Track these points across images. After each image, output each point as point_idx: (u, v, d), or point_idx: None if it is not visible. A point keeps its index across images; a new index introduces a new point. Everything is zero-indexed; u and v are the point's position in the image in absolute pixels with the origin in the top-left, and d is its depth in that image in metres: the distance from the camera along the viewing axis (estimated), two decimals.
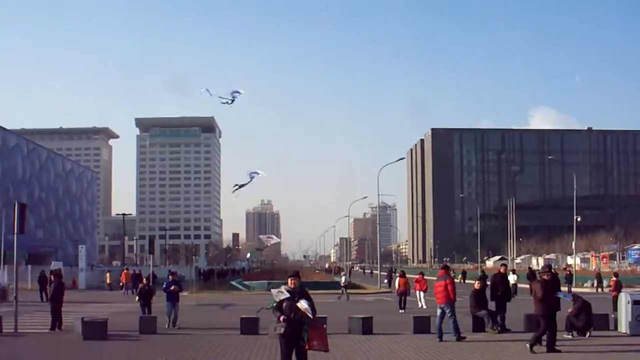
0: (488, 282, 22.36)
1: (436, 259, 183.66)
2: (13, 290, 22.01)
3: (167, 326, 22.53)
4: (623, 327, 20.06)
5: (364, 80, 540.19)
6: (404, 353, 16.35)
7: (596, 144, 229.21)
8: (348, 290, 43.46)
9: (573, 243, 65.68)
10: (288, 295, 11.67)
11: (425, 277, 35.58)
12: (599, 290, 49.15)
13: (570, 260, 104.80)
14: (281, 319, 11.56)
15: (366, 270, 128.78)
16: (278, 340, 11.93)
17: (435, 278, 20.11)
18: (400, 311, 31.13)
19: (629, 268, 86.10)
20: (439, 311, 19.00)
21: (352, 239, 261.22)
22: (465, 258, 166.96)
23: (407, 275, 34.62)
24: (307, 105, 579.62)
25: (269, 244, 58.27)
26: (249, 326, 20.88)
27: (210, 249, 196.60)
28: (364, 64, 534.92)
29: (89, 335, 19.43)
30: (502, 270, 21.94)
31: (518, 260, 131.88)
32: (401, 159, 71.50)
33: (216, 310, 34.15)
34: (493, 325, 20.51)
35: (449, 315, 18.84)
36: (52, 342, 19.55)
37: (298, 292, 11.76)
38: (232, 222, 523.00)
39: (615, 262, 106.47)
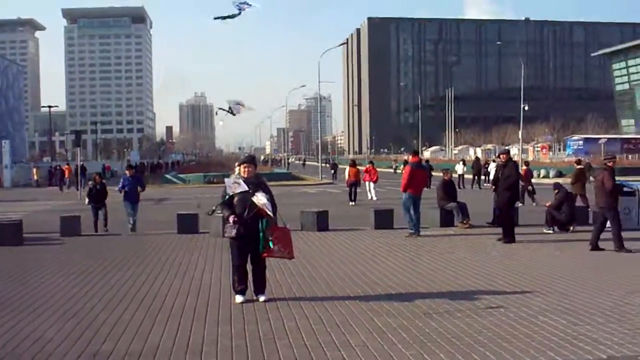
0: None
1: (372, 150, 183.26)
2: None
3: (130, 230, 19.34)
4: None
5: None
6: (376, 253, 13.82)
7: (533, 34, 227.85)
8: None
9: (520, 133, 64.75)
10: (246, 188, 8.96)
11: (375, 167, 33.58)
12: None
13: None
14: (231, 219, 8.90)
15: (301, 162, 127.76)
16: (228, 242, 9.36)
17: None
18: (351, 203, 29.24)
19: (568, 159, 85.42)
20: (410, 201, 16.61)
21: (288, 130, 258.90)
22: (402, 149, 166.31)
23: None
24: None
25: (240, 112, 54.75)
26: (187, 224, 18.36)
27: (143, 142, 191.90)
28: None
29: (0, 240, 16.52)
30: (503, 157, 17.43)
31: (456, 151, 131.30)
32: (343, 43, 68.26)
33: (149, 205, 31.23)
34: (463, 219, 18.48)
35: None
36: None
37: (253, 184, 9.00)
38: (165, 117, 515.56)
39: (552, 152, 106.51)
